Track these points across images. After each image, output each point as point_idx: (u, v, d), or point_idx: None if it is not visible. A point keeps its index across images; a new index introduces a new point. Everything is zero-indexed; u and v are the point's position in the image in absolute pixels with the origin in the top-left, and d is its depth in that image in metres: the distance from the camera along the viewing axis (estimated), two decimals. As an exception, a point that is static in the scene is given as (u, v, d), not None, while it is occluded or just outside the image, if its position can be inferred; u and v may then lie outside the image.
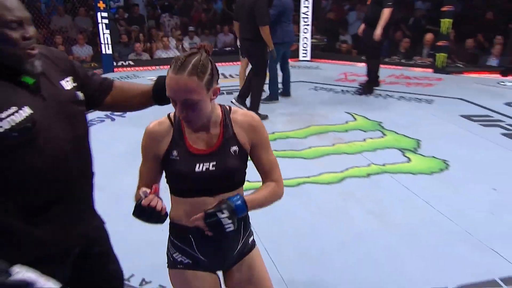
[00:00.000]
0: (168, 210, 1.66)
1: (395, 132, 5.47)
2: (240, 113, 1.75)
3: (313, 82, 6.87)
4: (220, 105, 1.76)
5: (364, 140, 5.27)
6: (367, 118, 6.02)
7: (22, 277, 1.30)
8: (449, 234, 3.44)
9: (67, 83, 1.56)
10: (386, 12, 6.44)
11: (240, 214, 1.60)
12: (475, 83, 7.71)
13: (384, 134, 5.44)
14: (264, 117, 6.15)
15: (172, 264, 1.84)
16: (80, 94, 1.62)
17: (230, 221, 1.53)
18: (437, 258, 3.16)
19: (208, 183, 1.68)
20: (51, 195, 1.48)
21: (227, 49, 10.74)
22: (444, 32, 8.32)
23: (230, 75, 8.66)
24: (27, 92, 1.40)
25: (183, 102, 1.49)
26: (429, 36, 9.15)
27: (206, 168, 1.65)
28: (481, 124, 5.71)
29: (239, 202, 1.59)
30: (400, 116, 6.05)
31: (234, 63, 9.23)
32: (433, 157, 4.76)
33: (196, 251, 1.77)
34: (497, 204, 3.82)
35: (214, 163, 1.66)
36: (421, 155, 4.82)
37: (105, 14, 8.71)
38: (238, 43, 6.89)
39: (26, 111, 1.35)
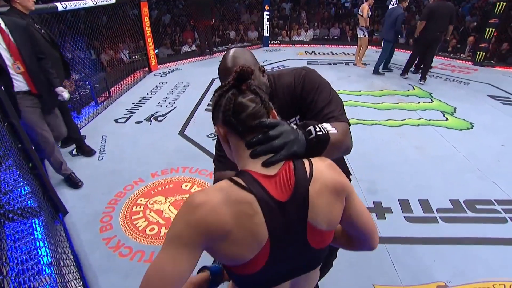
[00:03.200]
0: None
1: (440, 100, 4.94)
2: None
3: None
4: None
5: (419, 103, 4.85)
6: (422, 89, 5.47)
7: None
8: (464, 167, 3.23)
9: None
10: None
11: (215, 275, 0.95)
12: (502, 75, 6.52)
13: (432, 101, 4.94)
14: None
15: None
16: None
17: None
18: (454, 180, 3.01)
19: None
20: None
21: (335, 37, 10.08)
22: (487, 37, 7.08)
23: (337, 53, 8.04)
24: None
25: None
26: (471, 39, 7.80)
27: None
28: (501, 102, 4.93)
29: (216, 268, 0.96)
30: (445, 90, 5.39)
31: (340, 46, 8.82)
32: (464, 119, 4.30)
33: None
34: (502, 154, 3.44)
35: None
36: (455, 117, 4.37)
37: (267, 13, 8.62)
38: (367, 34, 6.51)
39: None
